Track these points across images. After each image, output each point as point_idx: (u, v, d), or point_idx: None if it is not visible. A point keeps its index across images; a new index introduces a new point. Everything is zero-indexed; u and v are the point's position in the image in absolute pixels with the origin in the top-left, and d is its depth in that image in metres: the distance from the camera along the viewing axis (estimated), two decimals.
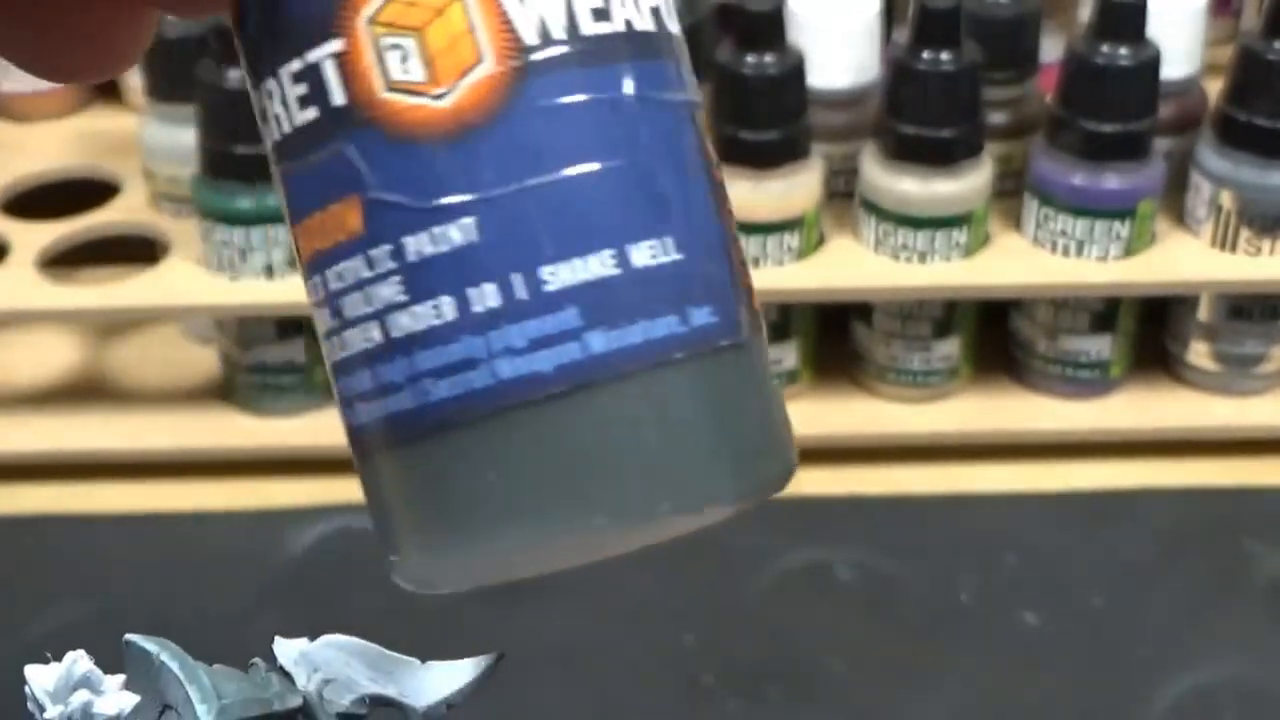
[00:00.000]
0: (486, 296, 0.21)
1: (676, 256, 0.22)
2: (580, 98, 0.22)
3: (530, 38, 0.21)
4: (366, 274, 0.22)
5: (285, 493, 0.60)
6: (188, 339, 0.67)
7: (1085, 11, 0.61)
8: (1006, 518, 0.59)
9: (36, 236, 0.63)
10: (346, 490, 0.60)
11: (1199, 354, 0.63)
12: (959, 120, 0.58)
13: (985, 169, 0.59)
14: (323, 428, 0.62)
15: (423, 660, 0.33)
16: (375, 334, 0.22)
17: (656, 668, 0.53)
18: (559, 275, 0.21)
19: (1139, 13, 0.57)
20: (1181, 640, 0.54)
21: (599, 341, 0.22)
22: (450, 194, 0.21)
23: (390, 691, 0.33)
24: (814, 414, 0.62)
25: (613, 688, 0.52)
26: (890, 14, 0.64)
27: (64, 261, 0.64)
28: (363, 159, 0.22)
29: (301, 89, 0.22)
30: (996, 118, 0.62)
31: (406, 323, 0.22)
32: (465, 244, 0.21)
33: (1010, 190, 0.62)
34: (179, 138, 0.61)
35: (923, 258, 0.60)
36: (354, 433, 0.23)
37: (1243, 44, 0.59)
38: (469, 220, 0.21)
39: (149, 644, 0.32)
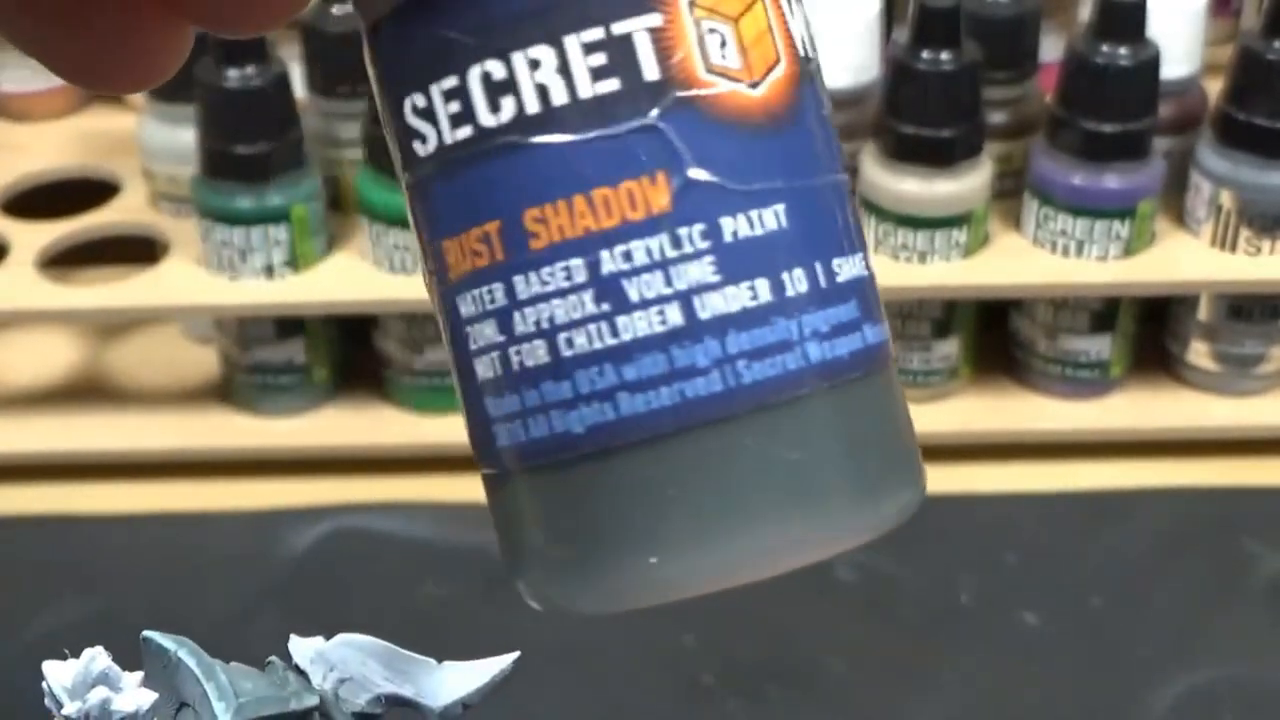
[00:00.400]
0: (797, 281, 0.22)
1: (872, 270, 0.24)
2: (825, 111, 0.23)
3: (800, 48, 0.23)
4: (671, 253, 0.21)
5: (285, 493, 0.60)
6: (187, 339, 0.67)
7: (1085, 11, 0.61)
8: (1006, 518, 0.59)
9: (36, 236, 0.63)
10: (346, 490, 0.60)
11: (1199, 354, 0.63)
12: (959, 120, 0.58)
13: (985, 169, 0.59)
14: (322, 428, 0.62)
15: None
16: (675, 315, 0.21)
17: (656, 668, 0.53)
18: (843, 269, 0.22)
19: (1139, 13, 0.57)
20: (1181, 640, 0.54)
21: (871, 334, 0.23)
22: (765, 180, 0.22)
23: (406, 691, 0.33)
24: None
25: (613, 688, 0.52)
26: (890, 14, 0.64)
27: (64, 261, 0.64)
28: (679, 136, 0.21)
29: (599, 60, 0.21)
30: (996, 118, 0.62)
31: (719, 303, 0.21)
32: (778, 229, 0.22)
33: (1010, 190, 0.62)
34: (179, 138, 0.61)
35: (923, 258, 0.60)
36: (592, 432, 0.22)
37: (1243, 44, 0.59)
38: (780, 206, 0.22)
39: (166, 641, 0.32)
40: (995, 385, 0.64)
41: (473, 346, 0.22)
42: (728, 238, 0.21)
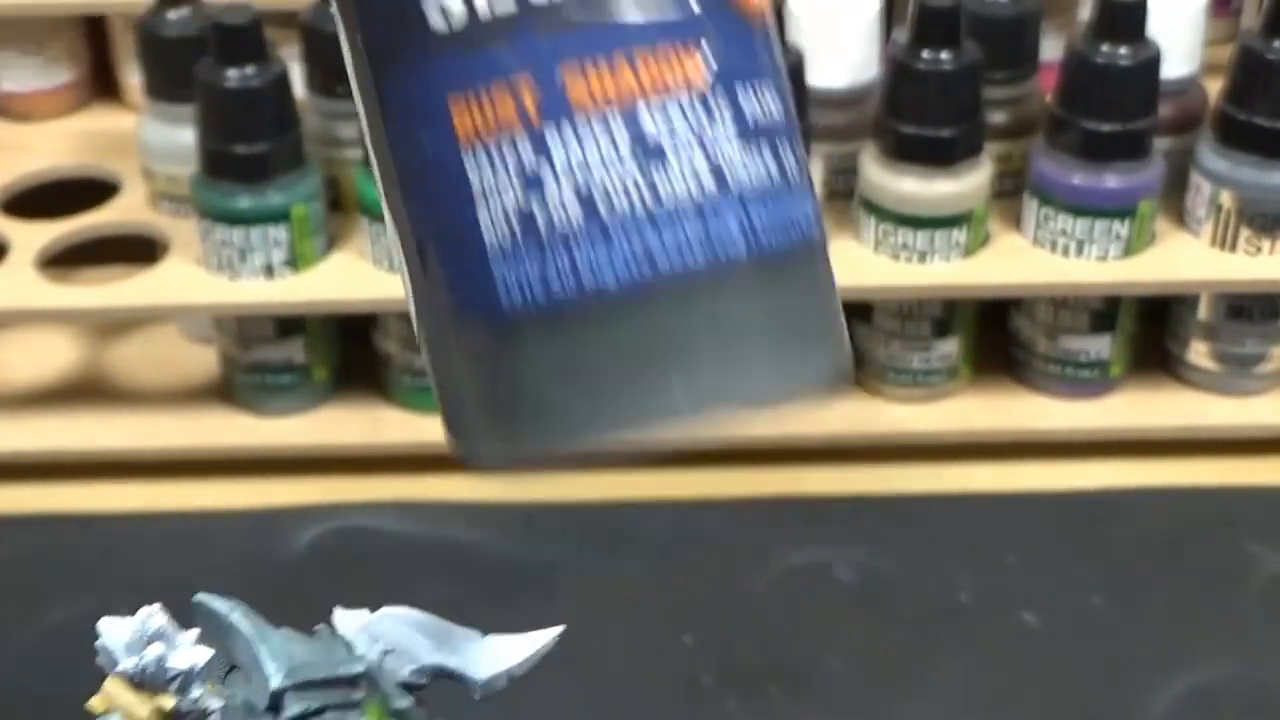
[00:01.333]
0: (790, 163, 0.24)
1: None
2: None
3: None
4: (705, 122, 0.23)
5: (285, 493, 0.60)
6: (187, 339, 0.67)
7: (1085, 11, 0.61)
8: (1006, 518, 0.59)
9: (36, 236, 0.63)
10: (346, 490, 0.60)
11: (1199, 354, 0.63)
12: (959, 120, 0.58)
13: (985, 169, 0.59)
14: (322, 427, 0.62)
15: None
16: (709, 181, 0.23)
17: (656, 668, 0.53)
18: (805, 158, 0.25)
19: (1139, 12, 0.57)
20: (1181, 640, 0.54)
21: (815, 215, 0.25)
22: (769, 73, 0.24)
23: (451, 663, 0.33)
24: (814, 413, 0.62)
25: (613, 688, 0.52)
26: (890, 14, 0.64)
27: (64, 261, 0.64)
28: (708, 15, 0.23)
29: None
30: (996, 118, 0.62)
31: (743, 174, 0.23)
32: (779, 117, 0.24)
33: (1010, 190, 0.62)
34: (178, 137, 0.61)
35: (923, 257, 0.60)
36: (626, 287, 0.23)
37: (1243, 44, 0.59)
38: (777, 94, 0.24)
39: (219, 604, 0.32)
40: (995, 385, 0.64)
41: (483, 208, 0.23)
42: (747, 116, 0.23)
